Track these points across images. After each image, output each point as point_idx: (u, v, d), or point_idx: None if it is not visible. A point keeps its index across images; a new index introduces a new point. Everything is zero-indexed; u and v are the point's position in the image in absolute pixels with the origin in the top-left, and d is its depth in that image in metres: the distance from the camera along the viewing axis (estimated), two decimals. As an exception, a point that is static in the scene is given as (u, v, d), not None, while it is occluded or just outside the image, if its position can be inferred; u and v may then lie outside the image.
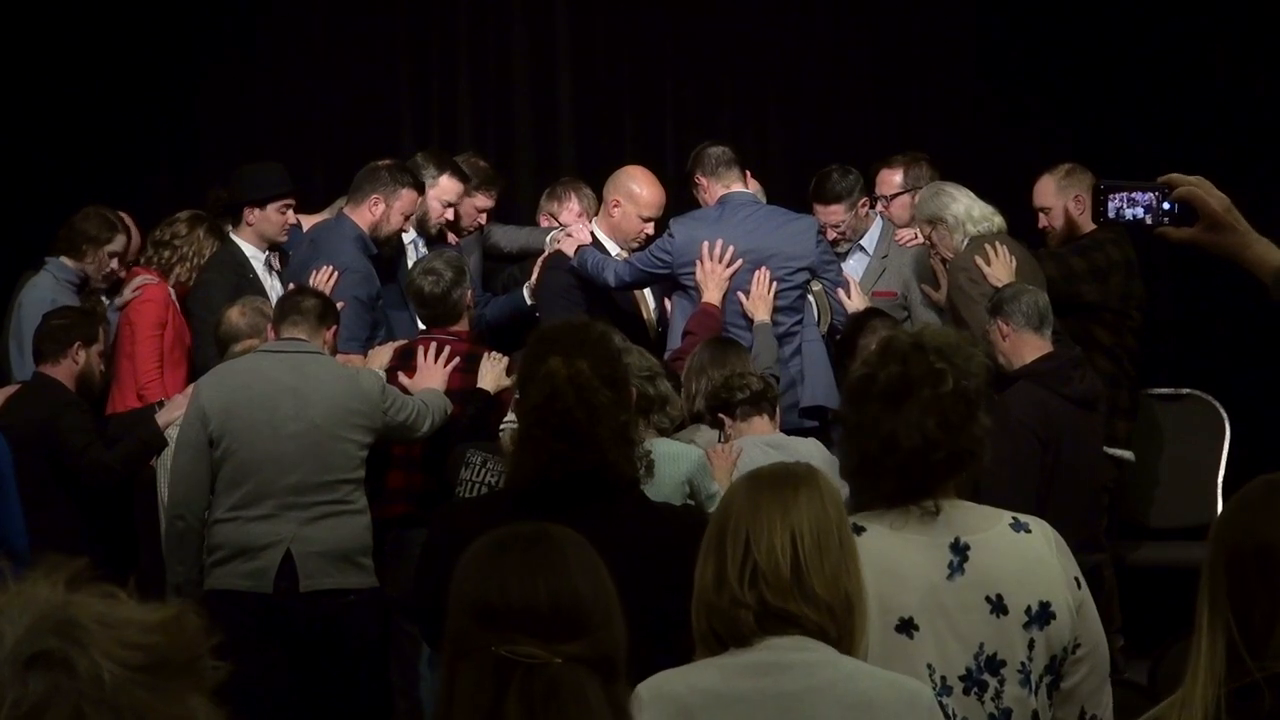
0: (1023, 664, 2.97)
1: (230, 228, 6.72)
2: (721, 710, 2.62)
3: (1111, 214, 2.88)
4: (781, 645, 2.63)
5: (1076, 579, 3.05)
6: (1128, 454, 6.51)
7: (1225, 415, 7.01)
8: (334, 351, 5.65)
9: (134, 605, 1.32)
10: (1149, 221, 2.84)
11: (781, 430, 5.53)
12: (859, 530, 3.02)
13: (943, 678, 2.96)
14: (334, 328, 5.60)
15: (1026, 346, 5.77)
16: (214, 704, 1.33)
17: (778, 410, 5.53)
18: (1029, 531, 3.06)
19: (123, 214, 6.80)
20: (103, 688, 1.25)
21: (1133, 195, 2.85)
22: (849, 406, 3.07)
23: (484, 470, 5.42)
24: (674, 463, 4.78)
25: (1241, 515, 2.39)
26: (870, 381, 3.02)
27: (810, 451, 5.49)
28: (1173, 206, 2.81)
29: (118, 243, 6.63)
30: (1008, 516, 3.08)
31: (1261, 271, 2.77)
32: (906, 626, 2.96)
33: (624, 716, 2.22)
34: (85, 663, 1.25)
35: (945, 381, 2.97)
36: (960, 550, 3.00)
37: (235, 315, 5.99)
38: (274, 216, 6.63)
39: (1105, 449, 6.22)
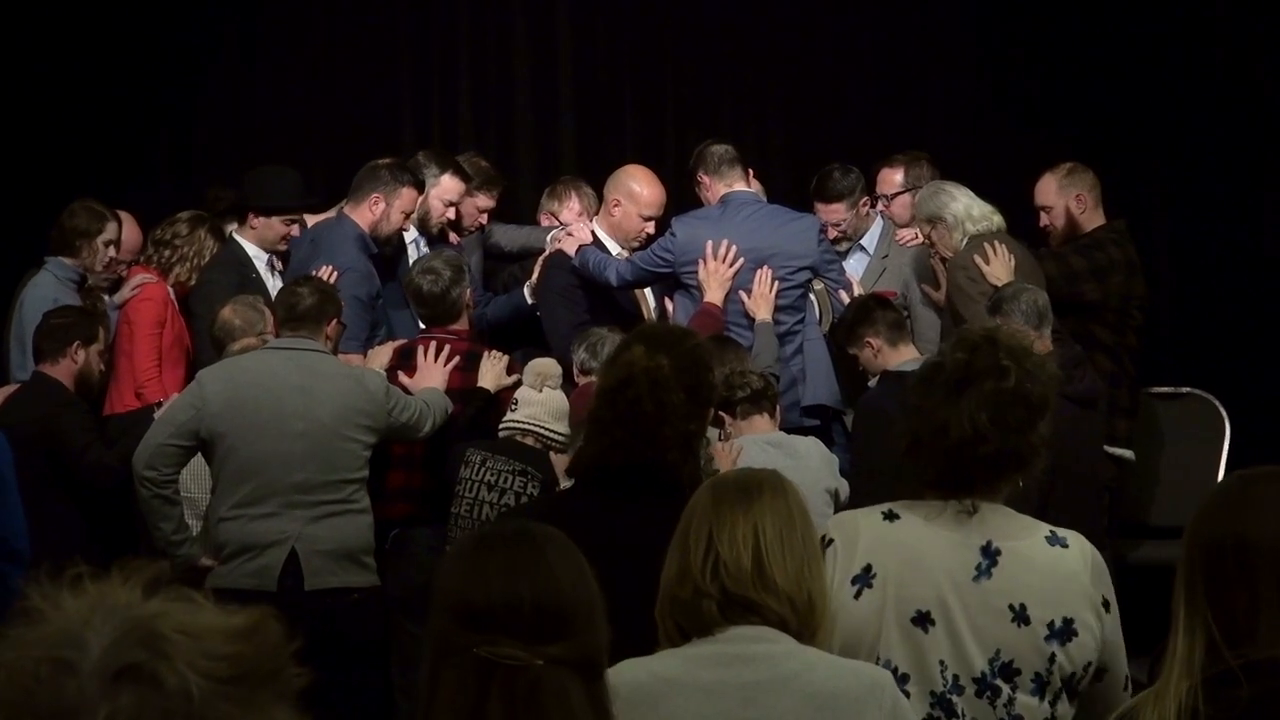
0: (1038, 674, 2.96)
1: (234, 226, 6.71)
2: (684, 699, 2.63)
3: None
4: (744, 635, 2.65)
5: (1105, 602, 3.03)
6: (1128, 453, 6.50)
7: (1225, 415, 7.01)
8: (338, 342, 5.65)
9: (214, 611, 1.30)
10: None
11: (782, 429, 5.53)
12: (893, 517, 3.04)
13: (955, 676, 2.96)
14: (335, 319, 5.59)
15: (1027, 346, 5.75)
16: (297, 713, 1.31)
17: (778, 409, 5.53)
18: (1066, 547, 3.05)
19: (121, 212, 6.79)
20: (190, 702, 1.23)
21: None
22: (916, 390, 3.09)
23: (484, 469, 5.42)
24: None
25: (1217, 511, 2.38)
26: (939, 369, 3.06)
27: (810, 450, 5.49)
28: None
29: (110, 230, 6.61)
30: (1045, 529, 3.08)
31: None
32: (923, 620, 2.97)
33: (606, 717, 2.22)
34: (173, 677, 1.23)
35: (1007, 378, 2.99)
36: (991, 554, 3.00)
37: (228, 313, 5.97)
38: (278, 227, 6.61)
39: (1105, 448, 6.21)
